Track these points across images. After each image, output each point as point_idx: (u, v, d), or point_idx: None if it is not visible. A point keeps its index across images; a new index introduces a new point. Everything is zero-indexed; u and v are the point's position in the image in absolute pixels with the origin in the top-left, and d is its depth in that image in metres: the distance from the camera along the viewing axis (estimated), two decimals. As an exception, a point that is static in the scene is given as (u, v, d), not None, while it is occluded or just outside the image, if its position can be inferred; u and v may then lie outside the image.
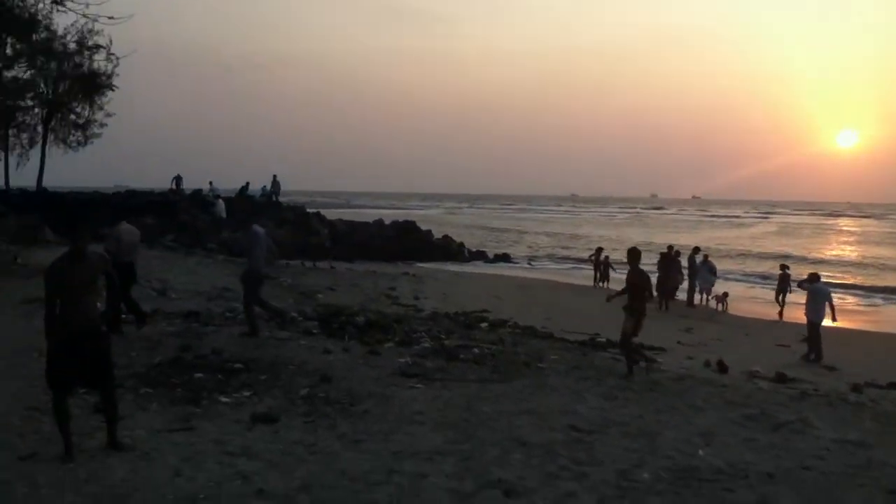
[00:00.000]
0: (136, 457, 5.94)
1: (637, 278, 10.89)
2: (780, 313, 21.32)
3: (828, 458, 6.89)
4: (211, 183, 40.75)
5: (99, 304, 6.80)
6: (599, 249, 28.41)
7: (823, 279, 16.85)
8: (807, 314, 15.34)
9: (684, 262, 24.00)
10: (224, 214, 33.09)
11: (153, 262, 19.22)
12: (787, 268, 22.83)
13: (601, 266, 27.26)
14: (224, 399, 7.79)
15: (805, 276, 16.72)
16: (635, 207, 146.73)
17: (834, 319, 15.62)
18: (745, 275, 34.63)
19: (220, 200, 34.40)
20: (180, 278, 17.79)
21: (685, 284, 23.51)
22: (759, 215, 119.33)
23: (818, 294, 15.37)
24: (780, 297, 21.55)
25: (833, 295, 16.24)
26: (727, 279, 23.44)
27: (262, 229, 12.22)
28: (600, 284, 26.71)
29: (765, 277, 31.67)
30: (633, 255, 11.05)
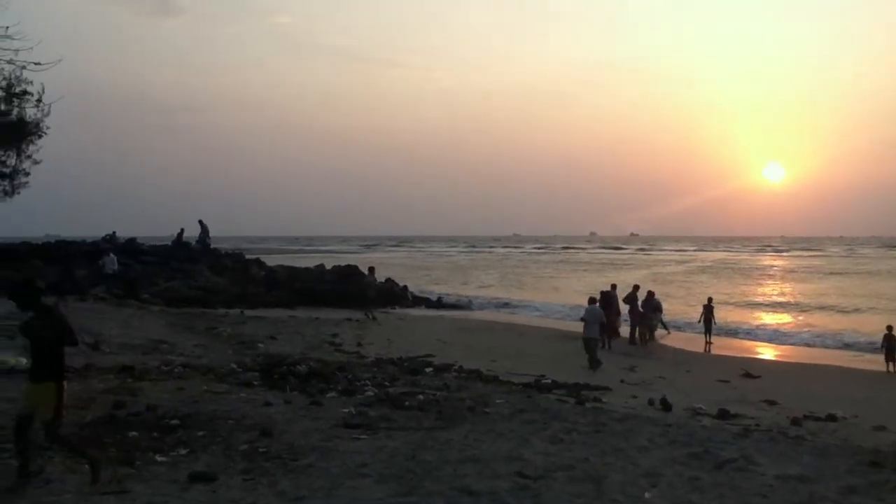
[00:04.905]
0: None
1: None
2: (708, 344, 22.86)
3: (770, 496, 6.95)
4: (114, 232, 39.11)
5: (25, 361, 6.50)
6: (636, 287, 24.04)
7: (755, 317, 18.70)
8: (582, 332, 18.23)
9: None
10: (115, 267, 30.11)
11: (85, 315, 18.60)
12: (711, 300, 24.57)
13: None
14: (159, 458, 7.50)
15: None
16: (574, 246, 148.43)
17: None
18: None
19: (112, 254, 31.15)
20: (113, 331, 17.23)
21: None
22: (694, 251, 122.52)
23: (590, 314, 18.22)
24: (707, 329, 23.41)
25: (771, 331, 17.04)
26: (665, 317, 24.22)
27: None
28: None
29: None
30: None
